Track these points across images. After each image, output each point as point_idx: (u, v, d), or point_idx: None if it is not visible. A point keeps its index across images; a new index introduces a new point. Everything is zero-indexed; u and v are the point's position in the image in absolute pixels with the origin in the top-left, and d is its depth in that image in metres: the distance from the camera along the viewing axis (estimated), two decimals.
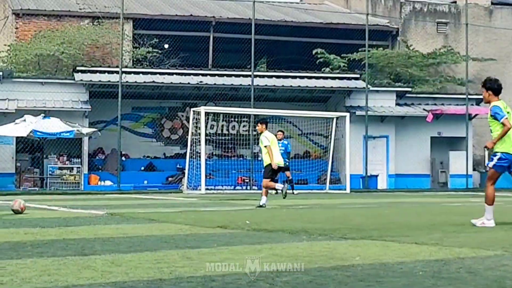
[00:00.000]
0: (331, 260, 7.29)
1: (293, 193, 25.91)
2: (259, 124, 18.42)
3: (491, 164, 11.58)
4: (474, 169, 38.54)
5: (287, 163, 25.92)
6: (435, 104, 37.88)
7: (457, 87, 40.47)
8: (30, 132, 29.67)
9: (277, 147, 18.29)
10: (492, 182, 11.58)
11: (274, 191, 21.09)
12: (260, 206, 17.06)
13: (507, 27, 42.72)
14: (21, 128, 29.91)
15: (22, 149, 33.06)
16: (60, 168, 32.66)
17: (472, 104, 37.86)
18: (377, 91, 36.83)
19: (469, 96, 37.33)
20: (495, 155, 11.49)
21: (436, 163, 38.44)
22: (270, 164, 17.60)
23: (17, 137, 31.52)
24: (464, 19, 39.55)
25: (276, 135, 21.07)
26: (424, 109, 36.87)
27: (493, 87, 11.59)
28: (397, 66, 39.97)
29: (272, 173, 17.88)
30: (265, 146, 17.64)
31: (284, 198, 18.69)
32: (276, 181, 19.00)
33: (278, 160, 17.92)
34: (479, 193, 30.75)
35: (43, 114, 30.76)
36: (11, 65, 35.07)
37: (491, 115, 11.48)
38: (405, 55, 39.97)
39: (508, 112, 11.41)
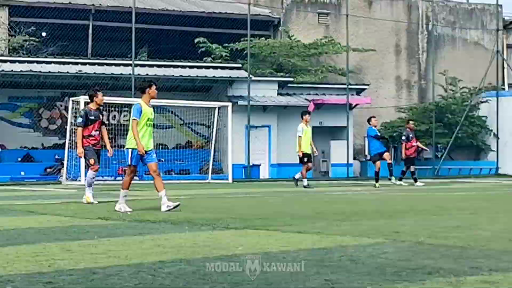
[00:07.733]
0: (214, 250, 7.27)
1: None
2: None
3: None
4: (354, 158, 39.18)
5: None
6: (317, 94, 38.26)
7: (338, 77, 40.93)
8: None
9: None
10: None
11: None
12: None
13: (386, 19, 43.53)
14: None
15: None
16: None
17: (353, 94, 38.43)
18: (259, 81, 36.93)
19: (350, 86, 37.82)
20: None
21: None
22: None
23: None
24: (344, 10, 40.06)
25: None
26: (305, 99, 37.11)
27: None
28: (279, 56, 40.19)
29: None
30: None
31: None
32: None
33: None
34: (360, 182, 31.53)
35: None
36: None
37: None
38: (287, 45, 40.17)
39: None
